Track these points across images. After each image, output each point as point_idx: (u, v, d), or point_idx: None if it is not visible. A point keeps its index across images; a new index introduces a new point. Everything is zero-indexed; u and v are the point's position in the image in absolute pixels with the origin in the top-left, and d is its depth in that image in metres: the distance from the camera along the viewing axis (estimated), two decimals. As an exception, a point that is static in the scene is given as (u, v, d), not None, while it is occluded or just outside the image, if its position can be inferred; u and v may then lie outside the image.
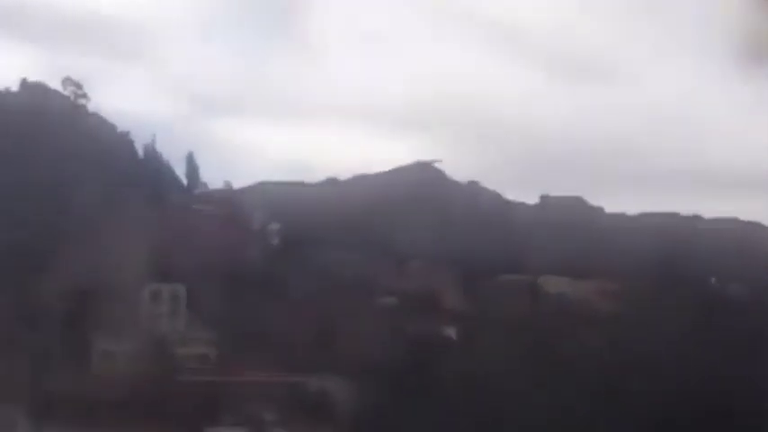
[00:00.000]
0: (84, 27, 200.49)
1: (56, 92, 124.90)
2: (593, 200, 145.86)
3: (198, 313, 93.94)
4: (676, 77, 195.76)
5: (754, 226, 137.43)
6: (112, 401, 79.80)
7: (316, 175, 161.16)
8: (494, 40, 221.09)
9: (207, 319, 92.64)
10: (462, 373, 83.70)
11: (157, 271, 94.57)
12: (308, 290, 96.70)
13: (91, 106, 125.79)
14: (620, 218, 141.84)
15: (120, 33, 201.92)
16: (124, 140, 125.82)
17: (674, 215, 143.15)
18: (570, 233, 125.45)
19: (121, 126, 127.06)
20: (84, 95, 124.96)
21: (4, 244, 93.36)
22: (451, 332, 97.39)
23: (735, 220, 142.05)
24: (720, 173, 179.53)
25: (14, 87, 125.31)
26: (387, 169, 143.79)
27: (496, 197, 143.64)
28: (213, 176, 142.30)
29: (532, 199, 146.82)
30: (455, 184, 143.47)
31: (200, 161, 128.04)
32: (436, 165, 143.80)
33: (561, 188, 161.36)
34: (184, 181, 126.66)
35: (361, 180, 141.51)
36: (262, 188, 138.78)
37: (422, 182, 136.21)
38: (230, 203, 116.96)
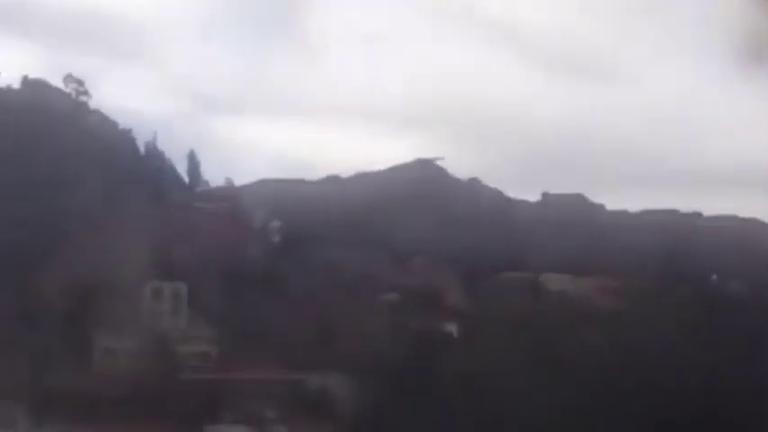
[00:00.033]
0: (85, 25, 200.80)
1: (57, 89, 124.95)
2: (595, 197, 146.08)
3: (199, 311, 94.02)
4: (677, 76, 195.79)
5: (754, 223, 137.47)
6: (114, 399, 79.92)
7: (317, 172, 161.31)
8: (494, 38, 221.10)
9: (208, 317, 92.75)
10: (463, 370, 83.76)
11: (159, 268, 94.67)
12: (309, 287, 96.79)
13: (92, 104, 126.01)
14: (621, 215, 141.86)
15: (122, 31, 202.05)
16: (126, 138, 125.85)
17: (674, 212, 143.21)
18: (571, 231, 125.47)
19: (123, 124, 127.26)
20: (86, 93, 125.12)
21: (6, 242, 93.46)
22: (453, 329, 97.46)
23: (735, 218, 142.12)
24: (721, 170, 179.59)
25: (16, 85, 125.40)
26: (388, 167, 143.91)
27: (498, 195, 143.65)
28: (214, 174, 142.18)
29: (534, 196, 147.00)
30: (456, 181, 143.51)
31: (202, 159, 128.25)
32: (437, 162, 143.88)
33: (562, 186, 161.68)
34: (186, 179, 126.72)
35: (362, 178, 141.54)
36: (263, 186, 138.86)
37: (423, 179, 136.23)
38: (231, 201, 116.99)
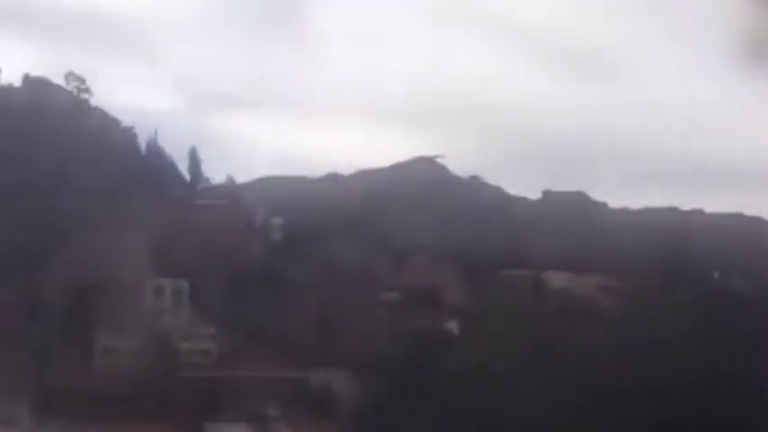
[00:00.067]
0: (86, 23, 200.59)
1: (58, 87, 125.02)
2: (596, 195, 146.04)
3: (200, 308, 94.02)
4: (678, 74, 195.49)
5: (757, 221, 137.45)
6: (115, 397, 79.87)
7: (318, 170, 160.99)
8: (495, 36, 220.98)
9: (209, 315, 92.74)
10: (464, 368, 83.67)
11: (160, 266, 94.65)
12: (310, 285, 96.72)
13: (93, 102, 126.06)
14: (623, 213, 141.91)
15: (123, 29, 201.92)
16: (127, 136, 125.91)
17: (675, 210, 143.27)
18: (572, 228, 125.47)
19: (124, 121, 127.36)
20: (87, 91, 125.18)
21: (6, 240, 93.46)
22: (453, 327, 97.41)
23: (737, 215, 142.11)
24: (722, 168, 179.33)
25: (17, 83, 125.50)
26: (389, 164, 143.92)
27: (498, 192, 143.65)
28: (216, 172, 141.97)
29: (535, 194, 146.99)
30: (457, 179, 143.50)
31: (203, 156, 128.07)
32: (438, 160, 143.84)
33: (563, 183, 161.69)
34: (187, 176, 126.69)
35: (362, 175, 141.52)
36: (264, 183, 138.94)
37: (424, 177, 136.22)
38: (232, 199, 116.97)
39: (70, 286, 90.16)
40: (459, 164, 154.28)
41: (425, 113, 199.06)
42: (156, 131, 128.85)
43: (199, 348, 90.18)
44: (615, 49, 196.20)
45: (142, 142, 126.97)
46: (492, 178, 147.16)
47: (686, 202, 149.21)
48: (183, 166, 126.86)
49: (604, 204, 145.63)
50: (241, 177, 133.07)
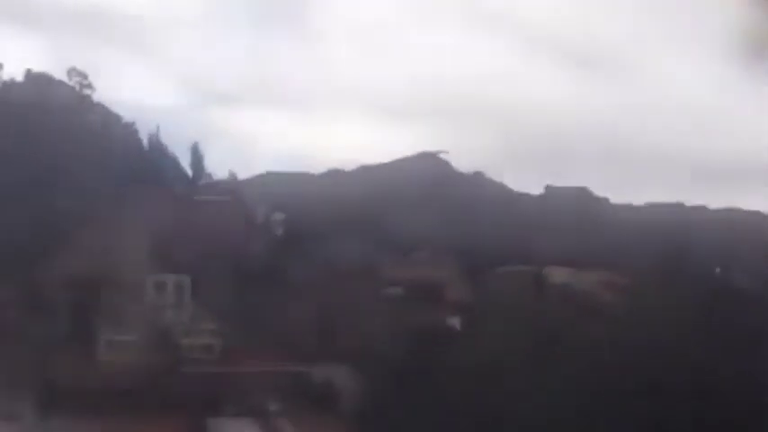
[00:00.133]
0: (88, 18, 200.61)
1: (60, 82, 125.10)
2: (598, 191, 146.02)
3: (202, 304, 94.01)
4: (681, 69, 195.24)
5: (759, 216, 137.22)
6: (117, 392, 79.94)
7: (320, 166, 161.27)
8: (499, 32, 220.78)
9: (211, 310, 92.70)
10: (466, 363, 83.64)
11: (162, 261, 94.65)
12: (313, 280, 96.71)
13: (96, 97, 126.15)
14: (625, 209, 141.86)
15: (125, 24, 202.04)
16: (129, 131, 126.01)
17: (679, 206, 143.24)
18: (575, 224, 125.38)
19: (126, 117, 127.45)
20: (89, 86, 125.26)
21: (7, 236, 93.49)
22: (456, 322, 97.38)
23: (740, 211, 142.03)
24: (726, 164, 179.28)
25: (19, 78, 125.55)
26: (391, 160, 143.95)
27: (501, 188, 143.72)
28: (218, 167, 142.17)
29: (537, 190, 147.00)
30: (459, 174, 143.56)
31: (205, 152, 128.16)
32: (441, 155, 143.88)
33: (566, 179, 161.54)
34: (189, 172, 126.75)
35: (365, 171, 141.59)
36: (266, 179, 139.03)
37: (426, 173, 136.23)
38: (235, 194, 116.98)
39: (72, 282, 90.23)
40: (462, 160, 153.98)
41: (428, 109, 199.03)
42: (158, 127, 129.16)
43: (201, 344, 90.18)
44: (617, 46, 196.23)
45: (144, 138, 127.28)
46: (494, 174, 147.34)
47: (689, 198, 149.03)
48: (185, 162, 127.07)
49: (606, 200, 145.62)
50: (243, 173, 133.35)
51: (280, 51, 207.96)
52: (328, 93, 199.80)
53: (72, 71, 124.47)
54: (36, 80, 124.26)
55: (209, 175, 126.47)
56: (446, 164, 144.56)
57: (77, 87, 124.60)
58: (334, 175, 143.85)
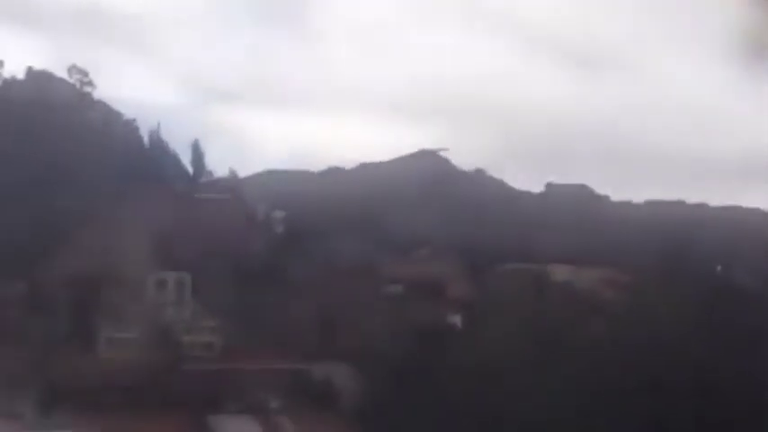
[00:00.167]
0: (89, 16, 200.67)
1: (61, 80, 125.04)
2: (599, 188, 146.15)
3: (203, 301, 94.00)
4: (681, 67, 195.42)
5: (760, 214, 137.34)
6: (118, 389, 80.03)
7: (320, 163, 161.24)
8: (499, 29, 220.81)
9: (212, 307, 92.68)
10: (467, 361, 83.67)
11: (163, 259, 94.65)
12: (313, 278, 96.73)
13: (96, 94, 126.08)
14: (626, 206, 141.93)
15: (126, 22, 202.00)
16: (129, 129, 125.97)
17: (679, 203, 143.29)
18: (576, 222, 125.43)
19: (127, 114, 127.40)
20: (90, 84, 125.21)
21: (10, 231, 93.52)
22: (456, 320, 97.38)
23: (740, 209, 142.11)
24: (726, 161, 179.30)
25: (20, 75, 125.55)
26: (392, 158, 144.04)
27: (501, 185, 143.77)
28: (218, 165, 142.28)
29: (538, 187, 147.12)
30: (460, 172, 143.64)
31: (206, 150, 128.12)
32: (441, 153, 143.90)
33: (567, 176, 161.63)
34: (190, 169, 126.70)
35: (366, 169, 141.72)
36: (267, 176, 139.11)
37: (427, 170, 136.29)
38: (235, 192, 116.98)
39: (73, 280, 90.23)
40: (462, 157, 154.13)
41: (428, 107, 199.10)
42: (158, 125, 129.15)
43: (201, 341, 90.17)
44: (618, 46, 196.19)
45: (145, 136, 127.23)
46: (495, 172, 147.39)
47: (690, 196, 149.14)
48: (186, 160, 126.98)
49: (607, 198, 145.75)
50: (243, 171, 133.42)
51: (280, 50, 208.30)
52: (329, 91, 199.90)
53: (73, 69, 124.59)
54: (37, 78, 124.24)
55: (210, 173, 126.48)
56: (446, 162, 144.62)
57: (78, 85, 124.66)
58: (335, 173, 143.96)
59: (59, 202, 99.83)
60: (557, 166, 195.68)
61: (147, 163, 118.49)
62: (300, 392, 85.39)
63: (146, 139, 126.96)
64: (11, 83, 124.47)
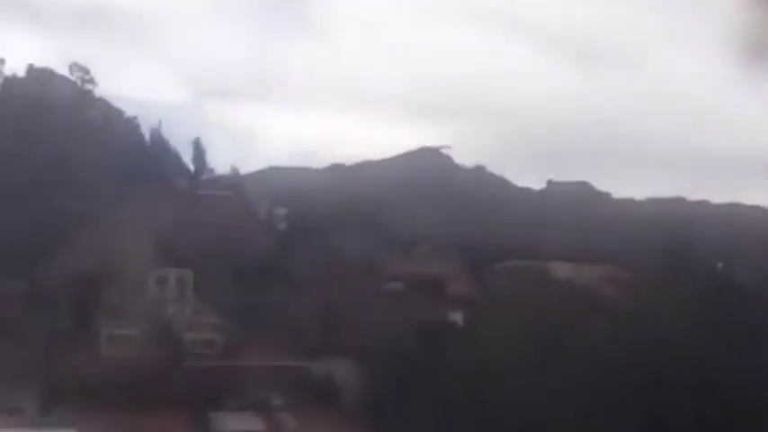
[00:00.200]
0: (91, 13, 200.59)
1: (62, 78, 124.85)
2: (600, 185, 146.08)
3: (205, 298, 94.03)
4: (683, 64, 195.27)
5: (761, 211, 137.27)
6: (119, 386, 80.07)
7: (322, 160, 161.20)
8: (500, 25, 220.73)
9: (214, 304, 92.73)
10: (468, 358, 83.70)
11: (164, 256, 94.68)
12: (315, 275, 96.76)
13: (98, 92, 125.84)
14: (627, 203, 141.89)
15: (127, 19, 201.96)
16: (131, 126, 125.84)
17: (681, 200, 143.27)
18: (577, 219, 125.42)
19: (128, 112, 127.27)
20: (91, 81, 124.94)
21: (11, 228, 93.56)
22: (457, 318, 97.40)
23: (742, 206, 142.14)
24: (728, 159, 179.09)
25: (21, 73, 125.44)
26: (393, 155, 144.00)
27: (502, 183, 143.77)
28: (220, 162, 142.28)
29: (539, 184, 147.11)
30: (461, 169, 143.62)
31: (207, 147, 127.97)
32: (443, 150, 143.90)
33: (568, 174, 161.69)
34: (191, 166, 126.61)
35: (367, 166, 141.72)
36: (268, 173, 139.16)
37: (428, 167, 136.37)
38: (236, 189, 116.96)
39: (74, 277, 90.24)
40: (463, 155, 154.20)
41: (430, 104, 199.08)
42: (159, 122, 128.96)
43: (203, 338, 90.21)
44: (619, 43, 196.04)
45: (146, 133, 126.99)
46: (496, 169, 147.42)
47: (691, 193, 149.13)
48: (187, 157, 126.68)
49: (608, 195, 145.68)
50: (245, 168, 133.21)
51: (282, 47, 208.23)
52: (330, 88, 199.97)
53: (74, 66, 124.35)
54: (38, 75, 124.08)
55: (211, 170, 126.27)
56: (448, 159, 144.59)
57: (79, 83, 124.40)
58: (337, 170, 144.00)
59: (60, 200, 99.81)
60: (557, 164, 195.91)
61: (149, 160, 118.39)
62: (302, 389, 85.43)
63: (147, 137, 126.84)
64: (12, 80, 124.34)
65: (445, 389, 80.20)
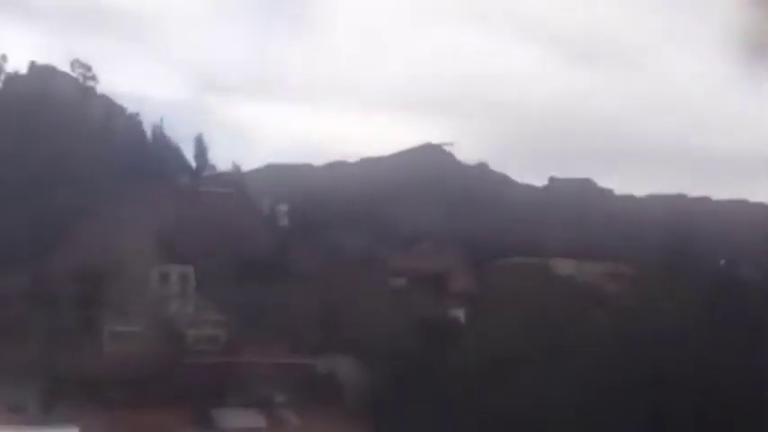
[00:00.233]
0: (92, 9, 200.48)
1: (64, 74, 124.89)
2: (602, 182, 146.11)
3: (207, 295, 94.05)
4: (685, 61, 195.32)
5: (764, 208, 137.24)
6: (122, 382, 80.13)
7: (324, 157, 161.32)
8: (502, 22, 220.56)
9: (216, 301, 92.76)
10: (470, 354, 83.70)
11: (166, 252, 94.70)
12: (316, 271, 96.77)
13: (99, 89, 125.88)
14: (629, 200, 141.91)
15: (129, 15, 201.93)
16: (132, 123, 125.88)
17: (682, 197, 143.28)
18: (579, 215, 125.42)
19: (130, 109, 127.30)
20: (93, 78, 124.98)
21: (14, 226, 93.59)
22: (459, 314, 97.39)
23: (744, 202, 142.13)
24: (730, 155, 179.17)
25: (23, 70, 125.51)
26: (395, 151, 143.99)
27: (505, 179, 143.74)
28: (221, 159, 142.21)
29: (541, 181, 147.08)
30: (463, 166, 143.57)
31: (209, 143, 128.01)
32: (445, 147, 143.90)
33: (570, 170, 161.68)
34: (193, 163, 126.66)
35: (369, 162, 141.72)
36: (270, 170, 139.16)
37: (430, 164, 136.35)
38: (238, 186, 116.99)
39: (77, 273, 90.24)
40: (466, 151, 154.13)
41: (432, 100, 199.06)
42: (161, 119, 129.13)
43: (205, 335, 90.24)
44: (622, 41, 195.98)
45: (147, 130, 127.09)
46: (498, 165, 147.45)
47: (692, 190, 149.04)
48: (189, 154, 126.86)
49: (610, 191, 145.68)
50: (247, 165, 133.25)
51: (284, 44, 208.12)
52: (332, 85, 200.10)
53: (75, 63, 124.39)
54: (40, 72, 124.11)
55: (213, 167, 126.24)
56: (450, 156, 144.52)
57: (81, 80, 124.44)
58: (338, 166, 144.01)
59: (62, 197, 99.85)
60: (560, 160, 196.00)
61: (150, 157, 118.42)
62: (304, 386, 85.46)
63: (148, 134, 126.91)
64: (14, 77, 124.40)
65: (447, 386, 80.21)
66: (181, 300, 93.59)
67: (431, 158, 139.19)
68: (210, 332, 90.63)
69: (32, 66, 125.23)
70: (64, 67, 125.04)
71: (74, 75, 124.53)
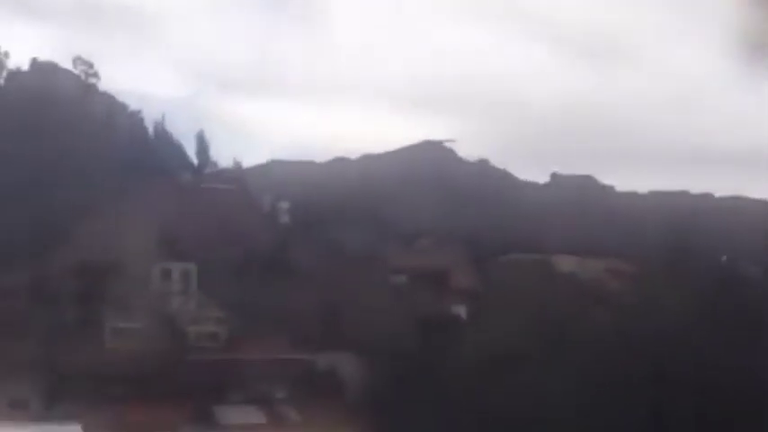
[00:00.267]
0: (94, 6, 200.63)
1: (66, 71, 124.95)
2: (604, 178, 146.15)
3: (208, 292, 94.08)
4: (686, 58, 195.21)
5: (764, 204, 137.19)
6: (123, 379, 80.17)
7: (325, 153, 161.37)
8: (504, 19, 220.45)
9: (217, 298, 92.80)
10: (471, 351, 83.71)
11: (168, 249, 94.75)
12: (318, 268, 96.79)
13: (101, 86, 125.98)
14: (631, 196, 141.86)
15: (131, 12, 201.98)
16: (134, 120, 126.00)
17: (684, 193, 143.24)
18: (581, 212, 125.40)
19: (131, 105, 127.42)
20: (95, 75, 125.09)
21: (15, 223, 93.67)
22: (461, 311, 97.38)
23: (745, 199, 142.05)
24: (731, 152, 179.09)
25: (25, 67, 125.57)
26: (396, 148, 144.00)
27: (506, 176, 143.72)
28: (223, 155, 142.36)
29: (543, 177, 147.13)
30: (465, 162, 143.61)
31: (211, 140, 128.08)
32: (446, 144, 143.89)
33: (572, 167, 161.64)
34: (194, 160, 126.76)
35: (370, 159, 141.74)
36: (271, 167, 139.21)
37: (431, 161, 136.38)
38: (240, 182, 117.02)
39: (79, 270, 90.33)
40: (467, 148, 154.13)
41: (433, 97, 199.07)
42: (163, 116, 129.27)
43: (207, 331, 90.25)
44: (623, 39, 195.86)
45: (149, 127, 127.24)
46: (499, 162, 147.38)
47: (694, 186, 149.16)
48: (190, 151, 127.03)
49: (612, 188, 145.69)
50: (248, 161, 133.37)
51: (285, 41, 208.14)
52: (333, 82, 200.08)
53: (77, 60, 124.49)
54: (42, 69, 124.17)
55: (215, 164, 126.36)
56: (451, 152, 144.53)
57: (83, 76, 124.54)
58: (339, 163, 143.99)
59: (64, 194, 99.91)
60: (561, 157, 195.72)
61: (152, 154, 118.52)
62: (305, 383, 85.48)
63: (150, 131, 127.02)
64: (15, 74, 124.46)
65: (447, 382, 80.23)
66: (182, 296, 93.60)
67: (432, 155, 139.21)
68: (212, 329, 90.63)
69: (34, 63, 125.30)
70: (66, 64, 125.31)
71: (76, 72, 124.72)
